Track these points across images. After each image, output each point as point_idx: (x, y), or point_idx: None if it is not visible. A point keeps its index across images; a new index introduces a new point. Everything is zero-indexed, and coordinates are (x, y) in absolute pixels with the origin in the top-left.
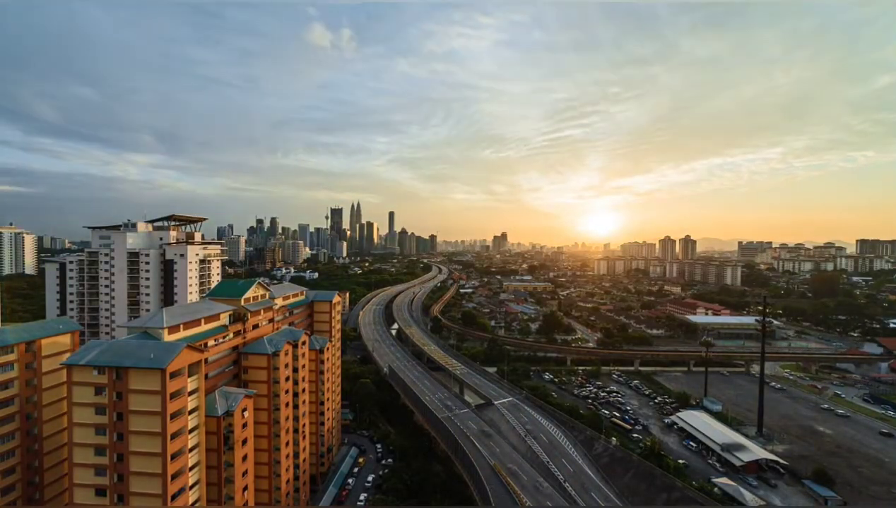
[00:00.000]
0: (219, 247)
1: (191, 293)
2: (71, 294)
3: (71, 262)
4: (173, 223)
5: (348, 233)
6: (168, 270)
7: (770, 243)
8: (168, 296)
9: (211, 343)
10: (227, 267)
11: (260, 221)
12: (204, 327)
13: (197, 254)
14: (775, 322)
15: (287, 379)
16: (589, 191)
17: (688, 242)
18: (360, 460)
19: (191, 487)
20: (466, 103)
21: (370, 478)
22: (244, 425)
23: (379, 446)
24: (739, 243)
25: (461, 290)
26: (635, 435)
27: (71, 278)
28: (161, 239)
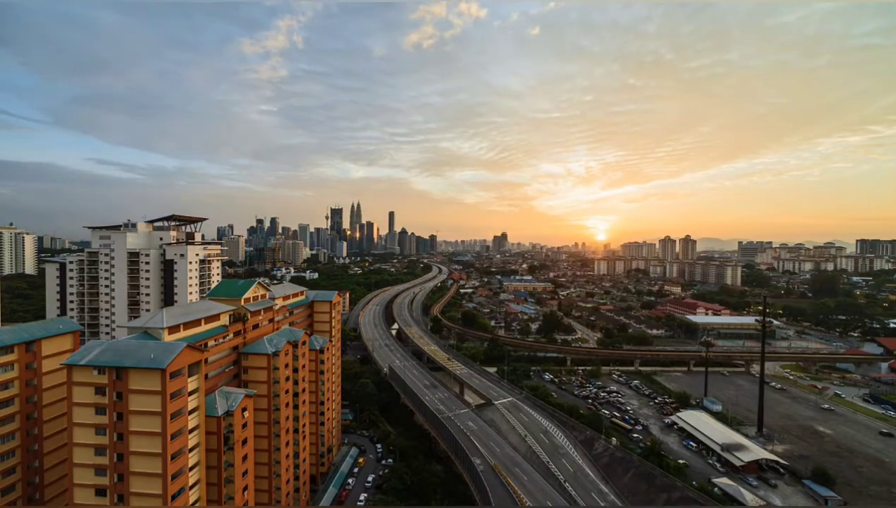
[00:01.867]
0: (219, 247)
1: (191, 293)
2: (71, 294)
3: (71, 262)
4: (173, 223)
5: (348, 233)
6: (168, 270)
7: (770, 243)
8: (168, 296)
9: (211, 343)
10: (227, 267)
11: (260, 221)
12: (204, 327)
13: (197, 254)
14: (775, 322)
15: (287, 379)
16: (591, 193)
17: (688, 242)
18: (360, 460)
19: (191, 487)
20: (494, 126)
21: (370, 478)
22: (244, 425)
23: (379, 446)
24: (739, 243)
25: (461, 290)
26: (635, 435)
27: (71, 278)
28: (161, 239)
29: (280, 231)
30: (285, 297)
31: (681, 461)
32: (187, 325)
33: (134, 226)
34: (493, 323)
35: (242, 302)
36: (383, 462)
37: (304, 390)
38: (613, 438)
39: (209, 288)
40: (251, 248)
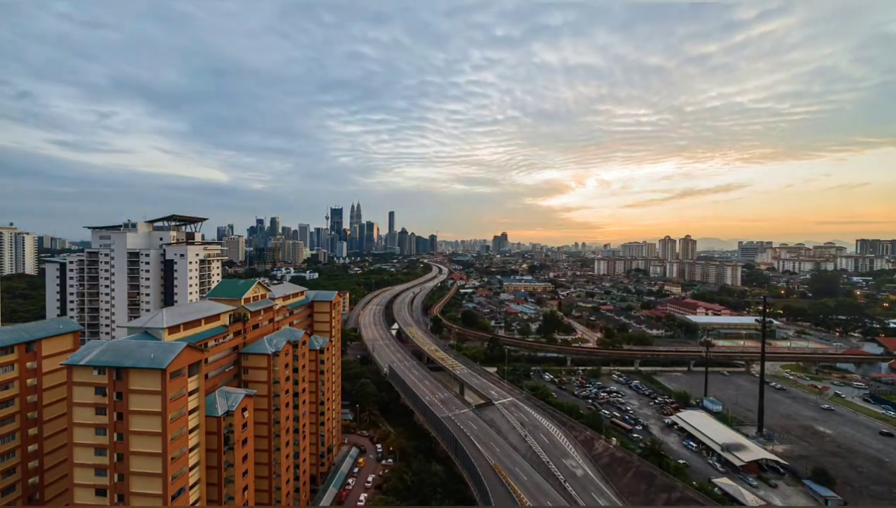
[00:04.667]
0: (219, 247)
1: (191, 293)
2: (71, 294)
3: (71, 262)
4: (173, 223)
5: (348, 233)
6: (168, 270)
7: (770, 243)
8: (168, 296)
9: (211, 343)
10: (227, 267)
11: (260, 221)
12: (204, 327)
13: (197, 255)
14: (775, 322)
15: (287, 379)
16: (593, 192)
17: (688, 242)
18: (360, 460)
19: (191, 487)
20: (515, 144)
21: (370, 478)
22: (244, 425)
23: (379, 446)
24: (739, 243)
25: (461, 290)
26: (635, 435)
27: (71, 278)
28: (161, 239)
29: (280, 231)
30: (285, 297)
31: (681, 461)
32: (187, 325)
33: (134, 226)
34: (493, 323)
35: (242, 302)
36: (383, 462)
37: (304, 390)
38: (613, 438)
39: (209, 288)
40: (251, 248)
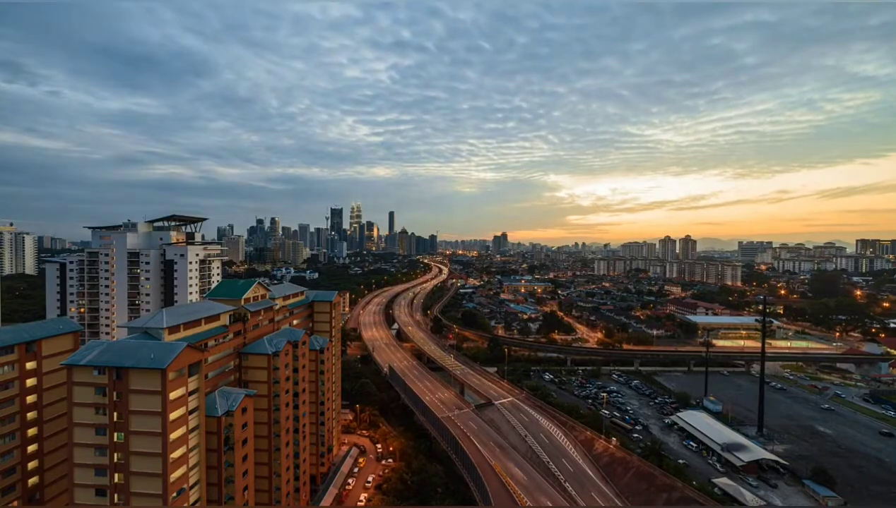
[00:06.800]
0: (219, 247)
1: (191, 293)
2: (71, 294)
3: (71, 262)
4: (174, 223)
5: (348, 233)
6: (168, 270)
7: (770, 243)
8: (168, 297)
9: (211, 343)
10: (227, 268)
11: (260, 221)
12: (204, 327)
13: (197, 255)
14: (775, 322)
15: (287, 379)
16: (595, 195)
17: (688, 242)
18: (360, 460)
19: (191, 487)
20: (521, 149)
21: (370, 478)
22: (244, 425)
23: (379, 446)
24: (739, 243)
25: (461, 290)
26: (635, 435)
27: (71, 278)
28: (161, 239)
29: (280, 231)
30: (285, 297)
31: (681, 461)
32: (187, 325)
33: (134, 226)
34: (493, 323)
35: (242, 303)
36: (383, 462)
37: (304, 390)
38: (613, 438)
39: (209, 289)
40: (251, 248)
